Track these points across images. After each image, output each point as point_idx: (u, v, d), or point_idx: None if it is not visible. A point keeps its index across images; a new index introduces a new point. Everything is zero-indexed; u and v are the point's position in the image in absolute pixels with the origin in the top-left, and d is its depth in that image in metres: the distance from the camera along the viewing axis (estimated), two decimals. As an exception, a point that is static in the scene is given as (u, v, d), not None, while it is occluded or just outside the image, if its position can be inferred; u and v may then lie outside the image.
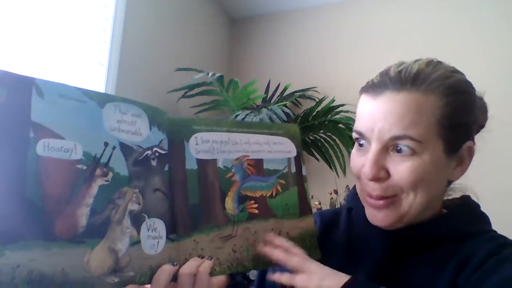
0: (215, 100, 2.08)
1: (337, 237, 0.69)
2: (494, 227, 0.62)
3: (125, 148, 0.52)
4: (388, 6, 2.43)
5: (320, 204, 2.05)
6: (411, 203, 0.57)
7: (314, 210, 2.14)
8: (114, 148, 0.51)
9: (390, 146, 0.56)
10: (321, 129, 2.10)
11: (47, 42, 1.38)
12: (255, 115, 1.82)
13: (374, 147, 0.57)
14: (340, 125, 2.00)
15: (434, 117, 0.55)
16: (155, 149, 0.55)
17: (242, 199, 0.60)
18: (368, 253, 0.63)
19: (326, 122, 2.05)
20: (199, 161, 0.58)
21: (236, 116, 1.85)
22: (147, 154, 0.54)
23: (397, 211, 0.58)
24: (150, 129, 0.55)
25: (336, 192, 2.04)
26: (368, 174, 0.57)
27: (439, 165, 0.56)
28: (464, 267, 0.54)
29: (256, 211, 0.60)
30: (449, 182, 0.63)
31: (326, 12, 2.57)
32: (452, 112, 0.56)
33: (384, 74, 0.59)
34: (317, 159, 2.18)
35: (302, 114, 2.15)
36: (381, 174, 0.57)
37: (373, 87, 0.58)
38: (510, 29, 2.14)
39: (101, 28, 1.64)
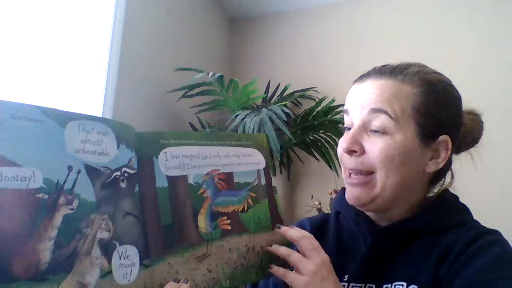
0: (215, 100, 2.08)
1: (326, 239, 0.71)
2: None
3: (91, 171, 0.47)
4: (388, 6, 2.42)
5: (320, 204, 2.05)
6: (384, 183, 0.60)
7: (314, 210, 2.14)
8: (79, 172, 0.46)
9: (368, 126, 0.61)
10: (321, 129, 2.09)
11: (47, 42, 1.38)
12: (255, 115, 1.82)
13: (355, 125, 0.63)
14: (340, 125, 2.00)
15: (410, 102, 0.60)
16: (124, 169, 0.51)
17: (214, 216, 0.58)
18: (355, 252, 0.66)
19: (326, 122, 2.05)
20: (170, 179, 0.55)
21: (236, 116, 1.85)
22: (115, 176, 0.50)
23: (370, 190, 0.61)
24: (118, 147, 0.51)
25: (336, 192, 2.03)
26: (344, 144, 0.62)
27: (412, 149, 0.60)
28: (446, 256, 0.58)
29: (229, 227, 0.59)
30: (432, 181, 0.67)
31: (326, 12, 2.55)
32: (428, 102, 0.61)
33: (371, 68, 0.66)
34: (317, 159, 2.18)
35: (302, 114, 2.15)
36: (355, 147, 0.61)
37: (360, 77, 0.66)
38: (509, 29, 2.14)
39: (101, 28, 1.64)
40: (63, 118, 0.47)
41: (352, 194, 0.63)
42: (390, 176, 0.60)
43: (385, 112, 0.59)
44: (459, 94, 0.66)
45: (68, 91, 1.45)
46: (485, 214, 0.72)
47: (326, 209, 2.03)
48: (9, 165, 0.41)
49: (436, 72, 0.66)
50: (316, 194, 2.19)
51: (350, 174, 0.64)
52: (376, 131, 0.60)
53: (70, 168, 0.46)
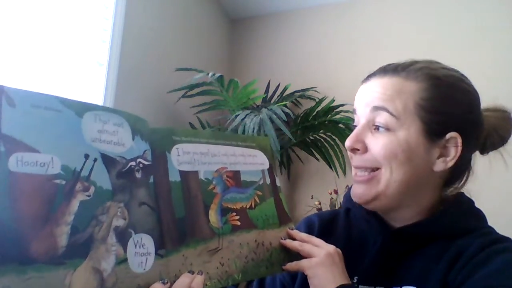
0: (215, 100, 2.08)
1: (336, 237, 0.71)
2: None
3: (108, 160, 0.49)
4: (388, 6, 2.42)
5: (320, 204, 2.05)
6: (388, 180, 0.60)
7: (314, 210, 2.15)
8: (95, 160, 0.47)
9: (372, 124, 0.61)
10: (321, 129, 2.10)
11: (47, 42, 1.38)
12: (255, 115, 1.82)
13: (360, 123, 0.63)
14: (340, 125, 2.00)
15: (413, 98, 0.59)
16: (139, 160, 0.52)
17: (224, 212, 0.60)
18: (365, 252, 0.65)
19: (326, 122, 2.05)
20: (182, 173, 0.57)
21: (236, 116, 1.85)
22: (131, 166, 0.51)
23: (374, 188, 0.61)
24: (133, 138, 0.52)
25: (336, 192, 2.04)
26: (347, 143, 0.63)
27: (416, 146, 0.59)
28: (456, 261, 0.57)
29: (239, 223, 0.61)
30: (448, 182, 0.64)
31: (326, 12, 2.56)
32: (434, 98, 0.59)
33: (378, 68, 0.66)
34: (317, 159, 2.18)
35: (302, 114, 2.15)
36: (358, 145, 0.62)
37: (366, 78, 0.66)
38: (509, 30, 2.14)
39: (101, 28, 1.64)
40: (81, 109, 0.48)
41: (356, 191, 0.64)
42: (395, 173, 0.59)
43: (386, 110, 0.59)
44: (474, 89, 0.63)
45: (68, 91, 1.45)
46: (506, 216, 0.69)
47: (326, 209, 2.03)
48: (29, 151, 0.43)
49: (446, 68, 0.63)
50: (316, 194, 2.19)
51: (356, 172, 0.64)
52: (378, 129, 0.61)
53: (87, 156, 0.47)
